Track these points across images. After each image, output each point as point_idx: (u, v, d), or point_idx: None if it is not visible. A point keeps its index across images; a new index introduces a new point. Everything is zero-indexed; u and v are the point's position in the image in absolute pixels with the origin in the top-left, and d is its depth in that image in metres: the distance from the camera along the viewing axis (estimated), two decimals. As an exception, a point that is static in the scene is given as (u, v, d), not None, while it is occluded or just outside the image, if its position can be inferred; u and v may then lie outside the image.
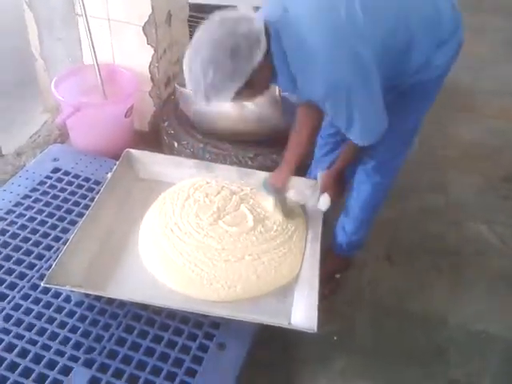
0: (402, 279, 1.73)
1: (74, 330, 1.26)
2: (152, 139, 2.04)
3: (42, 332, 1.25)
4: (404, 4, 1.14)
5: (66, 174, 1.73)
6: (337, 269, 1.66)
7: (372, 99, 1.14)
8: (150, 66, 1.98)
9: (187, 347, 1.25)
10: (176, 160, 1.71)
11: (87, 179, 1.71)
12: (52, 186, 1.67)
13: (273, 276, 1.40)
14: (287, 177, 1.47)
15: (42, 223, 1.53)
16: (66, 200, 1.62)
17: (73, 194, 1.65)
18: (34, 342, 1.22)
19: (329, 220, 1.56)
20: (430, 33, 1.16)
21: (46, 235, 1.50)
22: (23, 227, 1.51)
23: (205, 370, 1.20)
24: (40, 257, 1.43)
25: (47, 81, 2.06)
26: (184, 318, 1.30)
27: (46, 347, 1.22)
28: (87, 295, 1.31)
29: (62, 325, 1.27)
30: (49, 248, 1.46)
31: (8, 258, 1.42)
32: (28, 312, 1.29)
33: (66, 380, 1.16)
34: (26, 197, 1.62)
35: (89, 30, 1.81)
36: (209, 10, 2.59)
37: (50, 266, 1.31)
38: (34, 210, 1.57)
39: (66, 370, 1.18)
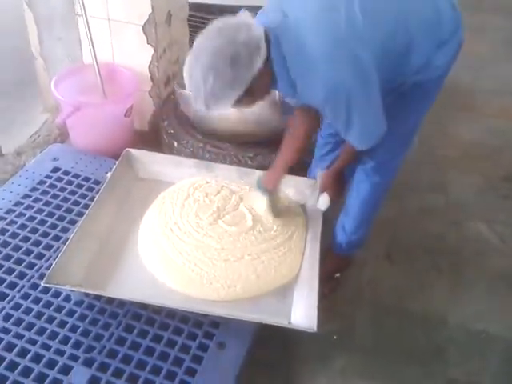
0: (402, 278, 1.73)
1: (73, 329, 1.26)
2: (152, 139, 2.04)
3: (41, 331, 1.25)
4: (403, 6, 1.13)
5: (66, 173, 1.73)
6: (337, 268, 1.66)
7: (371, 103, 1.14)
8: (149, 65, 1.98)
9: (187, 346, 1.25)
10: (176, 159, 1.71)
11: (87, 179, 1.71)
12: (52, 186, 1.67)
13: (272, 275, 1.40)
14: (279, 178, 1.47)
15: (42, 222, 1.53)
16: (65, 199, 1.62)
17: (73, 193, 1.65)
18: (33, 342, 1.23)
19: (329, 219, 1.56)
20: (430, 34, 1.15)
21: (45, 234, 1.50)
22: (23, 226, 1.51)
23: (204, 370, 1.20)
24: (40, 256, 1.43)
25: (47, 80, 2.05)
26: (184, 317, 1.30)
27: (46, 346, 1.22)
28: (87, 294, 1.31)
29: (62, 324, 1.27)
30: (49, 247, 1.46)
31: (8, 257, 1.42)
32: (28, 311, 1.29)
33: (66, 379, 1.16)
34: (26, 196, 1.62)
35: (89, 29, 1.81)
36: (209, 9, 2.61)
37: (50, 265, 1.31)
38: (34, 209, 1.57)
39: (66, 370, 1.18)
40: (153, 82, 2.02)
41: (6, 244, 1.45)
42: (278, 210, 1.55)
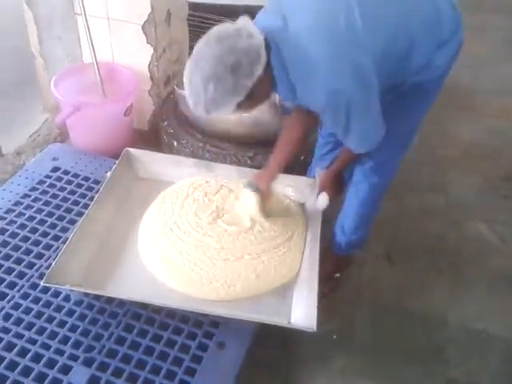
0: (402, 278, 1.73)
1: (73, 329, 1.26)
2: (151, 138, 2.04)
3: (41, 331, 1.25)
4: (404, 9, 1.13)
5: (66, 173, 1.73)
6: (336, 268, 1.66)
7: (370, 108, 1.14)
8: (149, 64, 1.98)
9: (187, 346, 1.25)
10: (175, 159, 1.71)
11: (87, 178, 1.71)
12: (52, 185, 1.67)
13: (272, 275, 1.40)
14: (273, 177, 1.46)
15: (42, 222, 1.53)
16: (65, 199, 1.62)
17: (72, 193, 1.65)
18: (33, 341, 1.23)
19: (328, 219, 1.56)
20: (430, 35, 1.15)
21: (45, 234, 1.50)
22: (23, 226, 1.51)
23: (204, 369, 1.20)
24: (39, 256, 1.43)
25: (47, 80, 2.05)
26: (183, 317, 1.30)
27: (46, 346, 1.22)
28: (87, 294, 1.31)
29: (62, 324, 1.27)
30: (48, 247, 1.46)
31: (7, 257, 1.42)
32: (27, 311, 1.29)
33: (66, 379, 1.16)
34: (26, 196, 1.62)
35: (88, 29, 1.81)
36: (208, 9, 2.60)
37: (50, 265, 1.31)
38: (34, 209, 1.57)
39: (66, 369, 1.18)
40: (152, 81, 2.02)
41: (5, 244, 1.45)
42: (270, 209, 1.53)
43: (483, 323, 1.60)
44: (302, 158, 1.82)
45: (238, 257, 1.41)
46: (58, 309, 1.30)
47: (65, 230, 1.51)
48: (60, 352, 1.21)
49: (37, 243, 1.46)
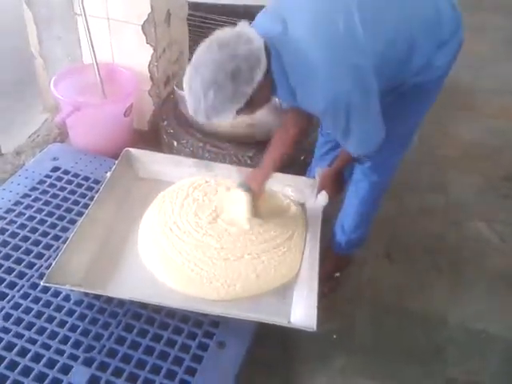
0: (402, 278, 1.73)
1: (73, 328, 1.26)
2: (151, 138, 2.04)
3: (41, 331, 1.25)
4: (404, 12, 1.12)
5: (66, 172, 1.73)
6: (336, 267, 1.66)
7: (370, 112, 1.14)
8: (149, 65, 1.98)
9: (187, 346, 1.25)
10: (175, 159, 1.71)
11: (87, 178, 1.71)
12: (51, 185, 1.67)
13: (272, 275, 1.40)
14: (266, 178, 1.46)
15: (42, 222, 1.53)
16: (65, 199, 1.62)
17: (72, 192, 1.65)
18: (33, 341, 1.22)
19: (328, 219, 1.56)
20: (430, 35, 1.15)
21: (45, 234, 1.50)
22: (23, 226, 1.51)
23: (204, 369, 1.20)
24: (39, 256, 1.43)
25: (47, 80, 2.06)
26: (184, 316, 1.30)
27: (46, 346, 1.22)
28: (87, 294, 1.31)
29: (62, 324, 1.27)
30: (48, 247, 1.46)
31: (7, 256, 1.42)
32: (27, 311, 1.29)
33: (66, 379, 1.16)
34: (26, 196, 1.62)
35: (88, 29, 1.81)
36: (208, 9, 2.60)
37: (50, 264, 1.31)
38: (34, 208, 1.57)
39: (66, 369, 1.18)
40: (152, 81, 2.02)
41: (5, 243, 1.45)
42: (268, 209, 1.52)
43: (483, 323, 1.60)
44: (302, 157, 1.82)
45: (238, 256, 1.41)
46: (58, 309, 1.30)
47: (65, 229, 1.51)
48: (60, 352, 1.21)
49: (37, 243, 1.46)
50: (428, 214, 1.98)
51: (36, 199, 1.61)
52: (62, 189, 1.66)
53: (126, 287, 1.33)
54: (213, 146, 1.79)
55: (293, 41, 1.06)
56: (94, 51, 1.85)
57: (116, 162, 1.64)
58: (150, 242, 1.45)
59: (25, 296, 1.32)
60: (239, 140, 1.78)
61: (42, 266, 1.40)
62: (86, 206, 1.55)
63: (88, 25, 1.80)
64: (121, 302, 1.31)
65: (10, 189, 1.64)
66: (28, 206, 1.58)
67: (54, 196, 1.63)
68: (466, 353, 1.52)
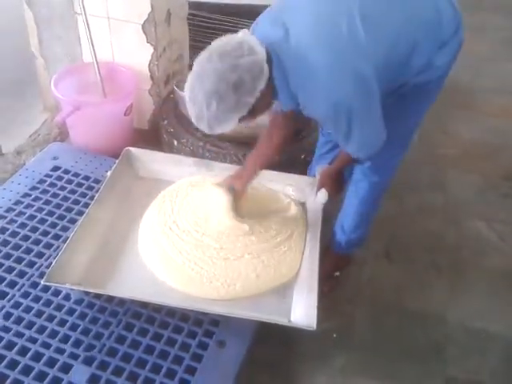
0: (402, 277, 1.73)
1: (73, 327, 1.26)
2: (151, 137, 2.05)
3: (41, 330, 1.25)
4: (405, 14, 1.12)
5: (66, 172, 1.73)
6: (336, 267, 1.66)
7: (371, 115, 1.14)
8: (149, 64, 1.98)
9: (187, 345, 1.25)
10: (175, 158, 1.72)
11: (87, 177, 1.71)
12: (52, 185, 1.67)
13: (272, 275, 1.40)
14: (250, 178, 1.46)
15: (42, 221, 1.53)
16: (65, 198, 1.62)
17: (72, 192, 1.65)
18: (33, 340, 1.23)
19: (328, 218, 1.57)
20: (431, 35, 1.15)
21: (45, 233, 1.50)
22: (23, 225, 1.51)
23: (204, 368, 1.20)
24: (40, 255, 1.43)
25: (47, 79, 2.06)
26: (184, 315, 1.30)
27: (46, 345, 1.22)
28: (87, 293, 1.31)
29: (62, 323, 1.27)
30: (48, 246, 1.46)
31: (8, 256, 1.42)
32: (28, 310, 1.29)
33: (66, 378, 1.16)
34: (26, 195, 1.62)
35: (88, 28, 1.81)
36: (209, 8, 2.59)
37: (50, 264, 1.31)
38: (34, 208, 1.57)
39: (66, 368, 1.18)
40: (152, 80, 2.02)
41: (5, 243, 1.45)
42: (243, 210, 1.49)
43: (483, 322, 1.60)
44: (303, 156, 1.82)
45: (238, 256, 1.41)
46: (59, 308, 1.30)
47: (65, 229, 1.51)
48: (60, 351, 1.21)
49: (37, 242, 1.47)
50: (428, 214, 1.99)
51: (36, 198, 1.61)
52: (63, 188, 1.66)
53: (126, 286, 1.34)
54: (213, 145, 1.79)
55: (294, 46, 1.05)
56: (94, 50, 1.85)
57: (116, 161, 1.64)
58: (150, 241, 1.45)
59: (25, 295, 1.32)
60: (239, 140, 1.79)
61: (42, 265, 1.40)
62: (86, 205, 1.56)
63: (88, 24, 1.80)
64: (121, 301, 1.31)
65: (10, 188, 1.64)
66: (28, 206, 1.58)
67: (55, 195, 1.63)
68: (466, 352, 1.52)
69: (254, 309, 1.32)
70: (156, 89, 2.05)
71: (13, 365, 1.18)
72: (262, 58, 1.04)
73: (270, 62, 1.06)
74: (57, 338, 1.23)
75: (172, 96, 1.98)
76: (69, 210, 1.58)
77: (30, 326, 1.26)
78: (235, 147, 1.78)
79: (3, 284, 1.35)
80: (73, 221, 1.53)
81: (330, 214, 1.56)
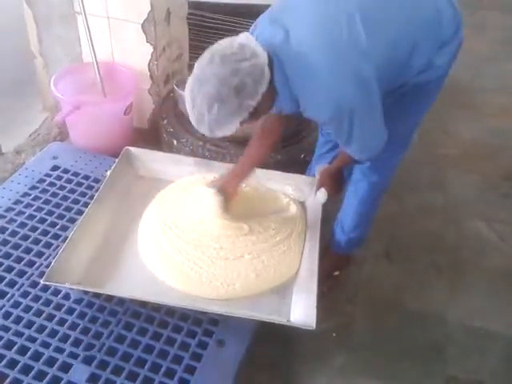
0: (401, 277, 1.73)
1: (73, 327, 1.26)
2: (151, 137, 2.04)
3: (41, 329, 1.25)
4: (405, 14, 1.12)
5: (66, 171, 1.73)
6: (336, 266, 1.66)
7: (373, 116, 1.14)
8: (149, 63, 1.98)
9: (186, 344, 1.25)
10: (175, 158, 1.72)
11: (87, 177, 1.71)
12: (51, 184, 1.67)
13: (272, 274, 1.40)
14: (240, 180, 1.46)
15: (42, 221, 1.53)
16: (65, 198, 1.62)
17: (72, 191, 1.65)
18: (33, 340, 1.23)
19: (328, 218, 1.56)
20: (431, 35, 1.15)
21: (45, 233, 1.50)
22: (22, 225, 1.51)
23: (204, 367, 1.20)
24: (39, 254, 1.43)
25: (46, 79, 2.06)
26: (183, 315, 1.30)
27: (46, 344, 1.22)
28: (86, 292, 1.31)
29: (62, 322, 1.27)
30: (48, 246, 1.46)
31: (7, 255, 1.42)
32: (27, 309, 1.29)
33: (66, 377, 1.16)
34: (26, 194, 1.62)
35: (88, 27, 1.81)
36: (208, 7, 2.59)
37: (50, 263, 1.31)
38: (34, 207, 1.57)
39: (66, 367, 1.18)
40: (152, 80, 2.02)
41: (5, 242, 1.45)
42: (233, 211, 1.48)
43: (482, 321, 1.60)
44: (302, 156, 1.82)
45: (238, 256, 1.41)
46: (58, 307, 1.30)
47: (65, 228, 1.51)
48: (60, 350, 1.21)
49: (37, 242, 1.47)
50: (428, 214, 1.99)
51: (36, 198, 1.61)
52: (62, 187, 1.66)
53: (126, 286, 1.34)
54: (213, 144, 1.79)
55: (295, 48, 1.05)
56: (93, 50, 1.85)
57: (116, 160, 1.64)
58: (150, 240, 1.45)
59: (25, 294, 1.32)
60: (240, 139, 1.78)
61: (41, 264, 1.40)
62: (85, 204, 1.56)
63: (88, 23, 1.80)
64: (120, 301, 1.31)
65: (10, 187, 1.64)
66: (28, 205, 1.58)
67: (54, 195, 1.63)
68: (466, 351, 1.52)
69: (254, 308, 1.32)
70: (156, 88, 2.05)
71: (12, 364, 1.18)
72: (263, 61, 1.03)
73: (270, 65, 1.05)
74: (56, 338, 1.23)
75: (172, 95, 1.98)
76: (68, 209, 1.58)
77: (29, 325, 1.26)
78: (235, 147, 1.78)
79: (3, 283, 1.35)
80: (72, 220, 1.53)
81: (329, 213, 1.56)
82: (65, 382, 1.15)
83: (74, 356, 1.20)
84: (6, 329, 1.24)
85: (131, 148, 1.68)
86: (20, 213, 1.55)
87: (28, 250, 1.44)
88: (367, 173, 1.41)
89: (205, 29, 2.27)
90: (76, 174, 1.72)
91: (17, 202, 1.58)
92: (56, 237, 1.48)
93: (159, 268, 1.39)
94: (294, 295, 1.37)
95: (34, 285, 1.34)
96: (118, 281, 1.35)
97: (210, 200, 1.42)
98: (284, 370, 1.43)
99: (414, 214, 1.98)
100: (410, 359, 1.48)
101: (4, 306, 1.29)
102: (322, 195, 1.47)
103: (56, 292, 1.33)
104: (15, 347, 1.21)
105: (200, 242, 1.42)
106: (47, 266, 1.32)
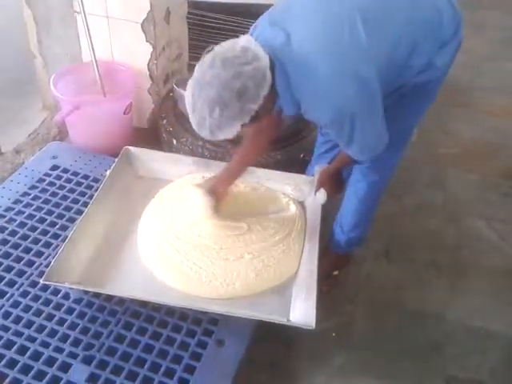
0: (401, 275, 1.73)
1: (72, 326, 1.26)
2: (151, 136, 2.04)
3: (41, 329, 1.25)
4: (405, 15, 1.12)
5: (65, 171, 1.73)
6: (335, 266, 1.66)
7: (374, 119, 1.14)
8: (148, 63, 1.98)
9: (186, 344, 1.25)
10: (175, 157, 1.71)
11: (86, 176, 1.71)
12: (51, 184, 1.67)
13: (271, 274, 1.40)
14: (231, 182, 1.45)
15: (41, 220, 1.53)
16: (64, 197, 1.62)
17: (72, 191, 1.65)
18: (33, 339, 1.23)
19: (327, 217, 1.56)
20: (431, 36, 1.15)
21: (44, 232, 1.50)
22: (22, 224, 1.51)
23: (203, 367, 1.20)
24: (39, 254, 1.43)
25: (46, 78, 2.05)
26: (183, 314, 1.30)
27: (45, 344, 1.22)
28: (86, 292, 1.31)
29: (61, 322, 1.27)
30: (48, 245, 1.46)
31: (7, 255, 1.42)
32: (27, 309, 1.29)
33: (65, 377, 1.16)
34: (25, 194, 1.62)
35: (87, 27, 1.81)
36: (208, 7, 2.59)
37: (49, 263, 1.31)
38: (33, 207, 1.57)
39: (65, 367, 1.18)
40: (152, 79, 2.02)
41: (5, 242, 1.45)
42: (223, 211, 1.47)
43: (482, 320, 1.60)
44: (302, 156, 1.82)
45: (237, 256, 1.41)
46: (58, 307, 1.30)
47: (64, 228, 1.51)
48: (59, 350, 1.21)
49: (36, 241, 1.46)
50: (427, 212, 1.99)
51: (35, 197, 1.61)
52: (62, 187, 1.66)
53: (126, 285, 1.33)
54: (212, 144, 1.79)
55: (296, 51, 1.05)
56: (93, 49, 1.85)
57: (115, 160, 1.64)
58: (149, 240, 1.45)
59: (24, 294, 1.32)
60: (239, 139, 1.78)
61: (41, 264, 1.40)
62: (85, 204, 1.55)
63: (87, 23, 1.80)
64: (120, 300, 1.31)
65: (9, 187, 1.64)
66: (27, 205, 1.58)
67: (54, 194, 1.63)
68: (466, 351, 1.52)
69: (253, 308, 1.32)
70: (155, 88, 2.05)
71: (12, 364, 1.18)
72: (265, 64, 1.03)
73: (272, 68, 1.05)
74: (56, 337, 1.23)
75: (171, 95, 1.98)
76: (68, 208, 1.58)
77: (29, 325, 1.26)
78: (234, 146, 1.78)
79: (2, 283, 1.34)
80: (72, 220, 1.53)
81: (328, 213, 1.56)
82: (64, 382, 1.15)
83: (73, 356, 1.20)
84: (6, 328, 1.24)
85: (131, 147, 1.68)
86: (19, 212, 1.55)
87: (27, 250, 1.44)
88: (366, 173, 1.41)
89: (205, 28, 2.27)
90: (75, 174, 1.72)
91: (16, 202, 1.58)
92: (55, 236, 1.48)
93: (158, 268, 1.39)
94: (294, 295, 1.37)
95: (34, 284, 1.34)
96: (118, 281, 1.35)
97: (198, 201, 1.42)
98: (283, 369, 1.43)
99: (413, 213, 1.98)
100: (410, 359, 1.48)
101: (3, 305, 1.29)
102: (322, 196, 1.47)
103: (55, 292, 1.33)
104: (15, 347, 1.21)
105: (199, 242, 1.42)
106: (47, 266, 1.32)
